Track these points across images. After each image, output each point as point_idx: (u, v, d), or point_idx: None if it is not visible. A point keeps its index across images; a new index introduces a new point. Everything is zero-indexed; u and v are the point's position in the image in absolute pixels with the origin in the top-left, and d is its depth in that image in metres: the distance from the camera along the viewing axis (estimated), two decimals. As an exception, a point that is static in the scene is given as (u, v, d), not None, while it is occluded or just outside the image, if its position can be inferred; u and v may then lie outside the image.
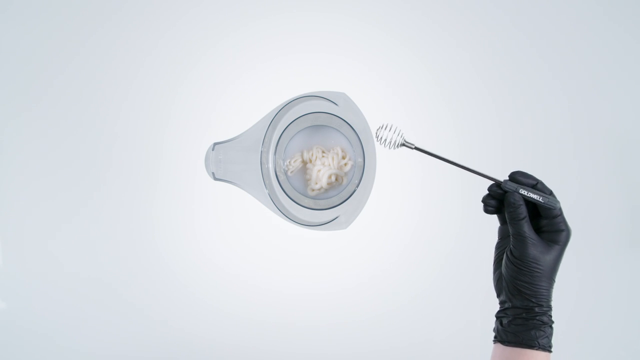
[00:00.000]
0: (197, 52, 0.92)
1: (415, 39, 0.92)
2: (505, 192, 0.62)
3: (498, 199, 0.63)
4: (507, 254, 0.62)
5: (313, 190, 0.78)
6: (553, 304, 0.62)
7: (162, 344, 0.90)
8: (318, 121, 0.78)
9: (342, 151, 0.78)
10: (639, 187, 0.91)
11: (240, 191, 0.78)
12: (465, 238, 0.94)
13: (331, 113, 0.75)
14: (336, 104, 0.74)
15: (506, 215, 0.62)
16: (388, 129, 0.66)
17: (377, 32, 0.91)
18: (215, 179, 0.77)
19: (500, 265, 0.64)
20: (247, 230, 0.95)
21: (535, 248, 0.60)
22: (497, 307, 0.63)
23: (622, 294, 0.93)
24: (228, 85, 0.91)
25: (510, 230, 0.61)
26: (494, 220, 0.66)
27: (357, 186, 0.74)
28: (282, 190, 0.75)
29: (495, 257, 0.66)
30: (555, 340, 0.60)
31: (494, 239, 0.65)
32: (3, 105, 0.92)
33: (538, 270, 0.59)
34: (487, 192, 0.64)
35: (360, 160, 0.75)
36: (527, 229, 0.60)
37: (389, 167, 0.85)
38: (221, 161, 0.76)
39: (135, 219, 0.94)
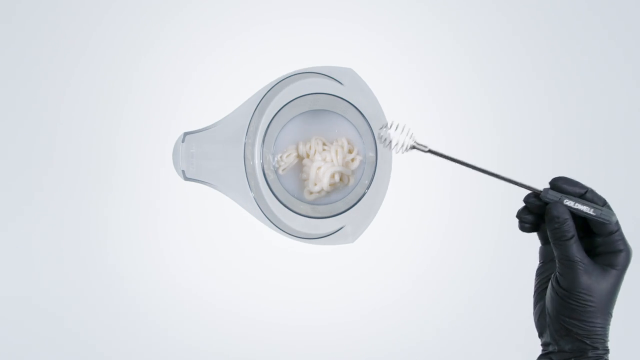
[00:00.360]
0: (163, 17, 0.89)
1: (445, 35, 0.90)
2: (546, 203, 0.58)
3: (537, 213, 0.60)
4: (551, 284, 0.58)
5: (311, 193, 0.75)
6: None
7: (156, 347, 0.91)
8: (318, 105, 0.76)
9: (349, 143, 0.75)
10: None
11: (217, 194, 0.75)
12: (501, 260, 0.92)
13: (334, 94, 0.72)
14: (341, 83, 0.72)
15: (549, 234, 0.58)
16: (393, 127, 0.62)
17: (404, 35, 0.91)
18: (186, 178, 0.74)
19: (543, 297, 0.61)
20: (227, 244, 0.91)
21: (587, 275, 0.56)
22: (539, 351, 0.61)
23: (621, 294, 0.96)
24: (202, 59, 0.88)
25: (555, 253, 0.57)
26: (536, 239, 0.62)
27: (368, 188, 0.72)
28: (271, 193, 0.72)
29: (536, 286, 0.62)
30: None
31: (536, 262, 0.63)
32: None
33: (591, 304, 0.55)
34: (522, 204, 0.61)
35: (371, 155, 0.73)
36: (576, 250, 0.56)
37: (408, 164, 0.82)
38: (193, 156, 0.74)
39: (82, 231, 0.91)
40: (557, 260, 0.57)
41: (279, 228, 0.71)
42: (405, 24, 0.89)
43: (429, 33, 0.89)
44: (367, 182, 0.72)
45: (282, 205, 0.71)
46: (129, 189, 0.89)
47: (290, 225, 0.71)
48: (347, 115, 0.75)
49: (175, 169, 0.74)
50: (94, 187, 0.89)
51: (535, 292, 0.62)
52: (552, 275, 0.59)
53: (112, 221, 0.90)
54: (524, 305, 0.81)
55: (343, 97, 0.71)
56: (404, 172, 0.78)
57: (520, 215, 0.60)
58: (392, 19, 0.89)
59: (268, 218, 0.71)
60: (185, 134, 0.74)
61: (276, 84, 0.72)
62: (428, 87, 0.89)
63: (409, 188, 0.89)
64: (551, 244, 0.57)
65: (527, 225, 0.60)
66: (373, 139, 0.71)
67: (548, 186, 0.59)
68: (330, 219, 0.72)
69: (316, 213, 0.73)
